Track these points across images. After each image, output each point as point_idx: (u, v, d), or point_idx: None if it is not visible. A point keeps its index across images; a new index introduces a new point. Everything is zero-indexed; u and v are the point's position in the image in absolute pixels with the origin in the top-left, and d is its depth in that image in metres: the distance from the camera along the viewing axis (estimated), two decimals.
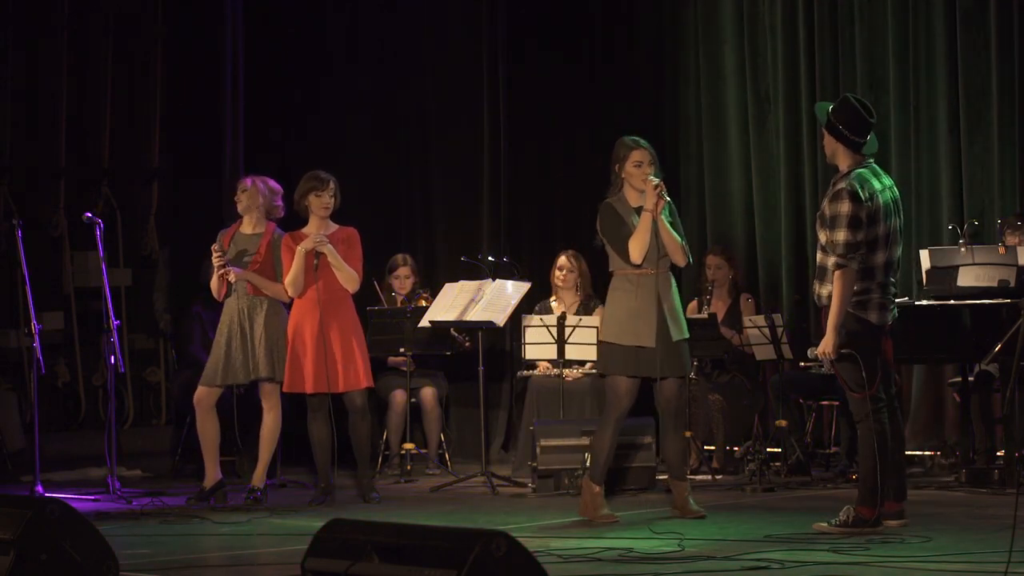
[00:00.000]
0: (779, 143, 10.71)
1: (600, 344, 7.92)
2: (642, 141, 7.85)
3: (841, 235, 7.01)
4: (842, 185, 7.09)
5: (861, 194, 7.03)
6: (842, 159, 7.19)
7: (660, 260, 7.71)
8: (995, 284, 8.55)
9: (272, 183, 8.99)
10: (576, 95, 11.37)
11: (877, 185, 7.12)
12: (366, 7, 11.76)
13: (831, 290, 7.10)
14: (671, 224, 7.74)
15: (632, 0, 11.36)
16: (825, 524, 7.14)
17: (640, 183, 7.72)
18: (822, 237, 7.14)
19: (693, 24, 11.11)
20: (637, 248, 7.67)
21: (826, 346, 7.07)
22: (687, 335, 7.86)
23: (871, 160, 7.22)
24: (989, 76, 9.81)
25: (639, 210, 7.73)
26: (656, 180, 7.66)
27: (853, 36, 10.36)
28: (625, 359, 7.71)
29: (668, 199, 7.76)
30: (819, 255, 7.21)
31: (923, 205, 10.04)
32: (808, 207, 10.65)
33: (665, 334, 7.67)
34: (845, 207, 7.02)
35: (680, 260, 7.78)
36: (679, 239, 7.75)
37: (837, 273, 7.04)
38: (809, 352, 7.31)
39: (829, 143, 7.22)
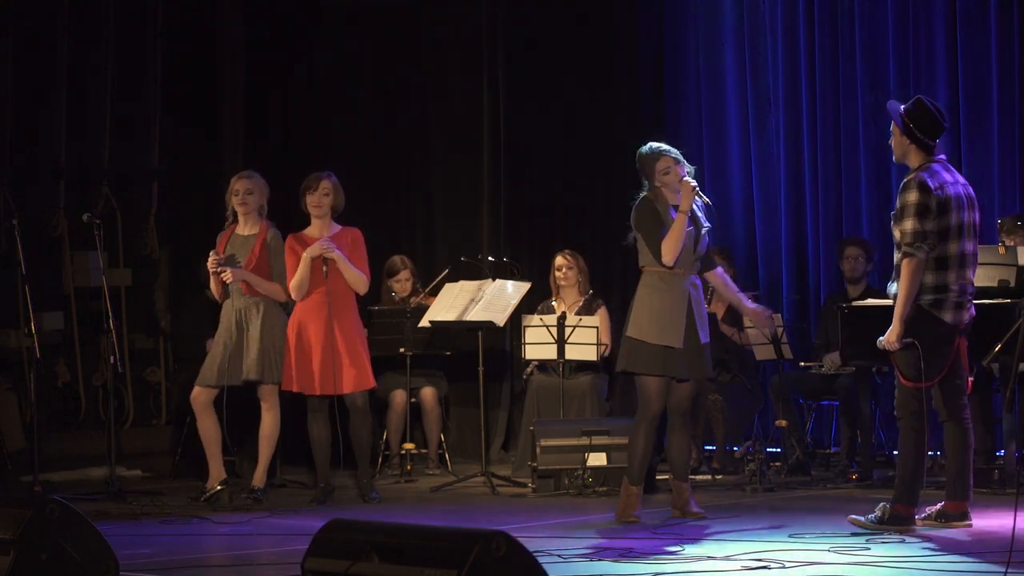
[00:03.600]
0: (779, 143, 10.72)
1: (627, 340, 7.79)
2: (661, 147, 7.80)
3: (909, 224, 6.99)
4: (911, 176, 7.10)
5: (930, 183, 7.02)
6: (913, 159, 7.18)
7: (694, 262, 7.70)
8: (995, 284, 8.54)
9: (262, 179, 9.00)
10: (576, 95, 11.36)
11: (948, 178, 7.13)
12: (367, 8, 11.75)
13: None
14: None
15: (632, 0, 11.35)
16: (861, 518, 7.14)
17: (677, 186, 7.69)
18: (896, 234, 7.12)
19: (693, 24, 11.11)
20: (670, 250, 7.62)
21: (891, 336, 7.02)
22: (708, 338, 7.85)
23: (942, 157, 7.24)
24: (989, 76, 9.82)
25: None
26: (693, 182, 7.64)
27: (853, 36, 10.36)
28: (651, 358, 7.64)
29: (706, 200, 7.75)
30: (896, 254, 7.15)
31: None
32: (808, 207, 10.66)
33: (693, 336, 7.65)
34: (913, 196, 7.01)
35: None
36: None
37: (905, 262, 7.00)
38: (879, 343, 7.15)
39: (901, 143, 7.19)
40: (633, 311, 7.79)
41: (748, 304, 7.99)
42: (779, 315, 9.51)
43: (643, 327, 7.70)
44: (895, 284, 7.12)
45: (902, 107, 7.23)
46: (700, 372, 7.75)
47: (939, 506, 7.25)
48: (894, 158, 7.37)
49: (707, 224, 7.76)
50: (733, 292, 8.05)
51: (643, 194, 7.83)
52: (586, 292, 10.32)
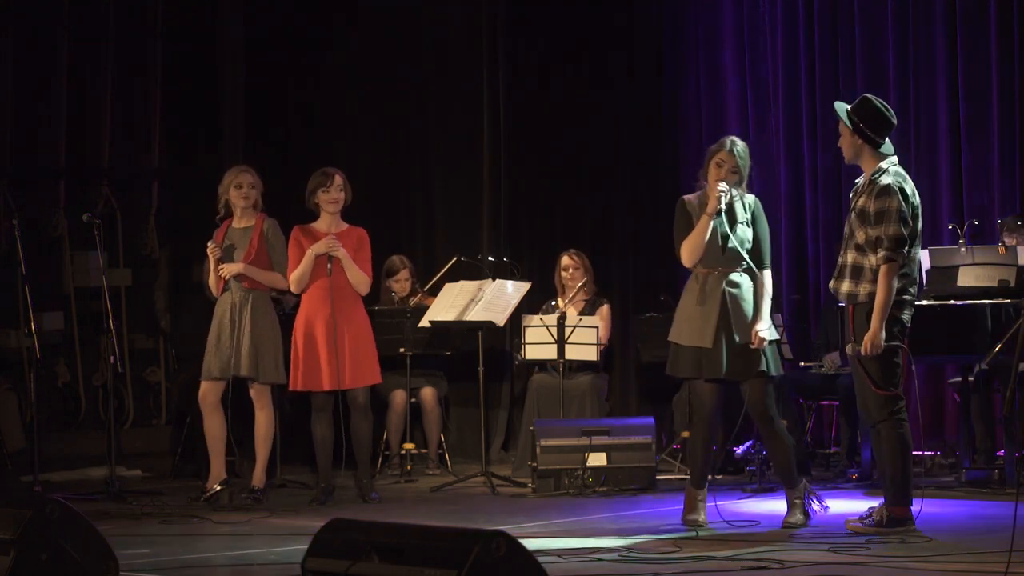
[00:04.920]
0: (779, 143, 10.71)
1: (670, 344, 7.69)
2: (738, 145, 7.55)
3: (892, 229, 6.99)
4: (888, 181, 7.07)
5: (907, 189, 7.07)
6: (867, 159, 7.16)
7: (730, 260, 7.46)
8: (995, 284, 8.55)
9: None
10: (576, 95, 11.36)
11: (910, 186, 7.16)
12: (367, 8, 11.76)
13: (868, 288, 7.04)
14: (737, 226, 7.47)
15: (632, 1, 11.35)
16: (859, 524, 7.12)
17: (714, 182, 7.51)
18: (860, 236, 7.09)
19: (693, 24, 11.11)
20: (686, 251, 7.49)
21: (874, 339, 6.98)
22: (770, 337, 7.49)
23: (895, 158, 7.23)
24: (989, 76, 9.82)
25: (724, 209, 7.50)
26: (724, 187, 7.41)
27: (853, 36, 10.36)
28: (688, 359, 7.51)
29: (733, 200, 7.48)
30: (851, 255, 7.13)
31: (923, 205, 10.02)
32: (808, 207, 10.66)
33: (728, 335, 7.42)
34: (895, 202, 7.01)
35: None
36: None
37: (885, 268, 6.98)
38: (849, 348, 7.14)
39: (852, 144, 7.15)
40: (675, 314, 7.70)
41: (759, 320, 7.46)
42: (779, 315, 9.51)
43: (677, 329, 7.59)
44: (864, 286, 7.09)
45: (848, 107, 7.21)
46: (741, 372, 7.44)
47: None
48: (846, 160, 7.29)
49: (745, 220, 7.49)
50: (762, 298, 7.48)
51: (684, 195, 7.69)
52: (591, 292, 10.34)
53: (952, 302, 8.59)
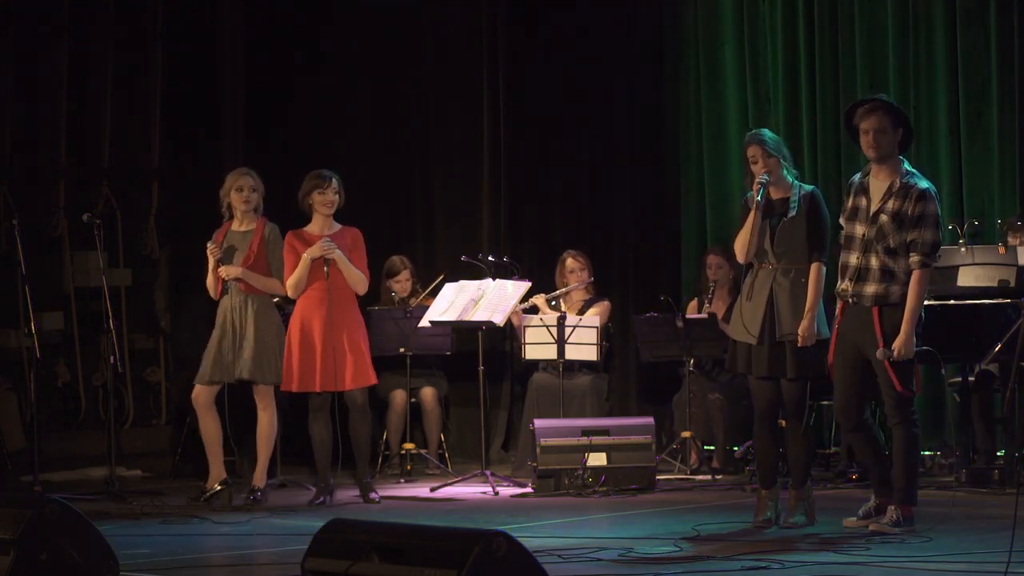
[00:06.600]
0: None
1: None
2: (761, 134, 7.46)
3: (930, 234, 7.01)
4: (925, 185, 7.08)
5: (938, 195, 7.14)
6: (895, 159, 7.15)
7: (779, 254, 7.33)
8: (995, 284, 8.55)
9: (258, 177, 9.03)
10: (575, 95, 11.36)
11: None
12: (366, 8, 11.76)
13: (900, 291, 7.04)
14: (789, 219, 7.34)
15: (632, 1, 11.35)
16: (886, 524, 7.11)
17: (756, 177, 7.41)
18: (893, 239, 7.06)
19: (693, 24, 11.10)
20: (736, 246, 7.43)
21: (907, 344, 7.00)
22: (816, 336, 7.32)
23: None
24: (989, 76, 9.81)
25: (776, 203, 7.40)
26: (764, 179, 7.31)
27: (853, 36, 10.36)
28: (740, 355, 7.44)
29: (790, 193, 7.37)
30: (877, 258, 7.10)
31: None
32: None
33: (771, 331, 7.32)
34: (933, 207, 7.03)
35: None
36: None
37: (919, 273, 7.00)
38: (880, 353, 7.07)
39: (892, 140, 7.09)
40: None
41: (806, 318, 7.31)
42: None
43: (732, 324, 7.56)
44: (887, 287, 7.07)
45: (893, 109, 7.20)
46: (777, 370, 7.34)
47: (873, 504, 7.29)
48: (877, 155, 7.14)
49: (796, 212, 7.34)
50: (810, 294, 7.31)
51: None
52: (592, 292, 10.35)
53: (952, 302, 8.60)
